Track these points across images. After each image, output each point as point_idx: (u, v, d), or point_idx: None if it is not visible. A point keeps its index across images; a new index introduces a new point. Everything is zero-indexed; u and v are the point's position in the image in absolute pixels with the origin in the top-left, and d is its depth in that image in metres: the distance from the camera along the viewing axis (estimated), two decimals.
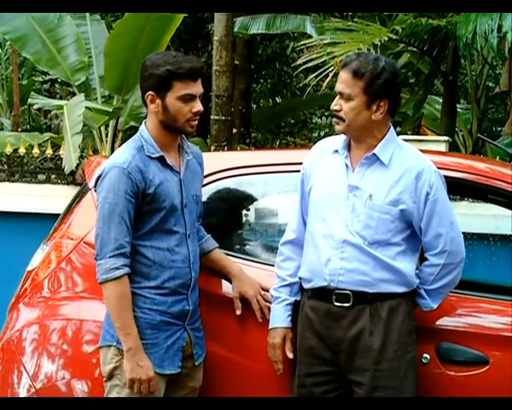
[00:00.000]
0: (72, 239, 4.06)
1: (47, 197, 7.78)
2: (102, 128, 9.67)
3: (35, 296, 4.05)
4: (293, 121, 15.07)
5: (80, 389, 3.87)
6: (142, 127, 3.63)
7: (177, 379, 3.62)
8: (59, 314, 3.98)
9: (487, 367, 3.65)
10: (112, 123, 9.75)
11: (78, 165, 7.69)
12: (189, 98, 3.51)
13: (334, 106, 3.55)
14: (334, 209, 3.57)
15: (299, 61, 8.01)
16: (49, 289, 4.03)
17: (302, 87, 13.42)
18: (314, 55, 7.76)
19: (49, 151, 8.07)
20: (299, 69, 8.01)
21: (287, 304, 3.69)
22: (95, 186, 3.62)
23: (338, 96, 3.55)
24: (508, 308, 3.78)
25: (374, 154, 3.55)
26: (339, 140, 3.67)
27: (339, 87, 3.54)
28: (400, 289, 3.55)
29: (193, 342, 3.64)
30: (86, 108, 8.32)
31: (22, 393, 3.91)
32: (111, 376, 3.57)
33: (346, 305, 3.54)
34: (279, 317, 3.69)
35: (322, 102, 13.43)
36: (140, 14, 8.82)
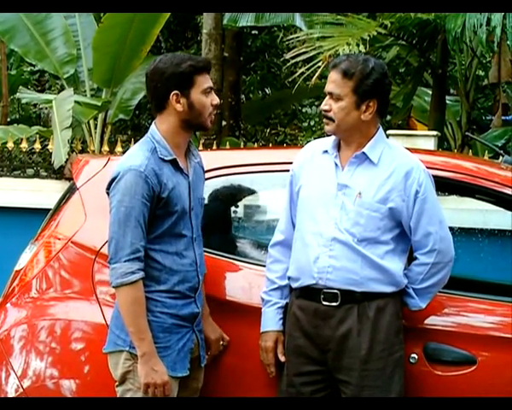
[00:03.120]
0: (59, 239, 4.04)
1: (35, 192, 7.76)
2: (91, 121, 9.64)
3: (23, 296, 4.04)
4: (282, 113, 15.04)
5: (68, 388, 3.87)
6: (154, 129, 3.57)
7: (186, 381, 3.62)
8: (47, 314, 3.97)
9: (475, 367, 3.65)
10: (101, 116, 9.71)
11: (66, 159, 7.67)
12: (210, 91, 3.55)
13: (324, 106, 3.57)
14: (323, 208, 3.58)
15: (288, 56, 8.00)
16: (37, 289, 4.02)
17: (292, 79, 13.45)
18: (303, 50, 7.75)
19: (38, 145, 8.04)
20: (288, 64, 7.98)
21: (278, 307, 3.70)
22: (108, 189, 3.53)
23: (328, 97, 3.56)
24: (495, 308, 3.80)
25: (363, 152, 3.57)
26: (328, 141, 3.69)
27: (328, 87, 3.56)
28: (388, 289, 3.56)
29: (200, 344, 3.65)
30: (75, 102, 8.28)
31: (10, 393, 3.91)
32: (123, 380, 3.54)
33: (334, 304, 3.54)
34: (271, 320, 3.70)
35: (312, 94, 13.41)
36: None
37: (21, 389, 3.88)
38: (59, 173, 7.83)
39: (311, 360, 3.60)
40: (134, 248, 3.41)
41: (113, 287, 3.46)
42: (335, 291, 3.54)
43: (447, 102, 10.37)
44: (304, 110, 15.41)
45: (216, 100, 3.57)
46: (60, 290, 3.99)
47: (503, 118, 11.52)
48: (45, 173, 7.97)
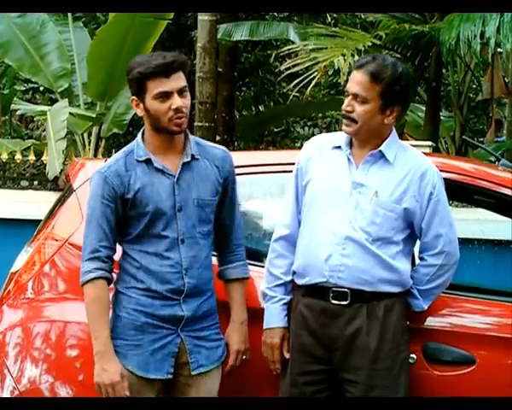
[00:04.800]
0: (56, 240, 4.02)
1: (29, 203, 7.75)
2: (85, 135, 9.65)
3: (19, 298, 4.01)
4: (276, 130, 15.08)
5: (64, 391, 3.82)
6: (140, 132, 3.60)
7: (179, 387, 3.56)
8: (43, 316, 3.94)
9: (474, 367, 3.64)
10: (95, 130, 9.72)
11: (61, 171, 7.66)
12: (163, 96, 3.43)
13: (347, 107, 3.51)
14: (335, 205, 3.54)
15: (283, 67, 8.01)
16: (33, 290, 3.99)
17: (285, 95, 13.48)
18: (298, 61, 7.76)
19: (32, 157, 8.03)
20: (283, 75, 7.99)
21: (283, 303, 3.65)
22: None
23: (350, 97, 3.50)
24: (493, 308, 3.79)
25: (380, 151, 3.55)
26: (337, 137, 3.66)
27: (354, 88, 3.50)
28: (396, 289, 3.55)
29: (189, 349, 3.53)
30: (70, 113, 8.28)
31: (6, 395, 3.86)
32: None
33: (344, 303, 3.51)
34: (276, 317, 3.65)
35: (305, 111, 13.48)
36: (123, 20, 8.82)
37: (17, 392, 3.84)
38: (53, 185, 7.81)
39: (315, 359, 3.56)
40: (93, 248, 3.47)
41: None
42: (345, 290, 3.50)
43: (441, 117, 10.40)
44: (297, 129, 15.48)
45: (176, 104, 3.42)
46: (56, 292, 3.96)
47: (495, 139, 11.59)
48: (39, 185, 7.95)
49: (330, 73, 15.52)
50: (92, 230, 3.48)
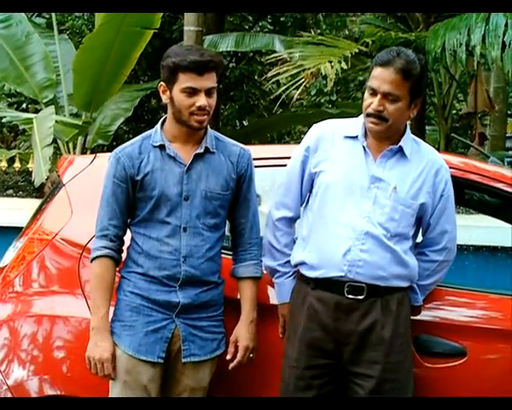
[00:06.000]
0: (45, 235, 4.00)
1: (14, 211, 7.70)
2: (70, 146, 9.61)
3: (7, 292, 3.98)
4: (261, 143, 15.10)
5: (52, 385, 3.80)
6: (161, 119, 3.65)
7: (174, 373, 3.58)
8: (32, 310, 3.91)
9: (465, 359, 3.64)
10: (80, 141, 9.70)
11: (47, 178, 7.62)
12: (191, 92, 3.46)
13: (379, 106, 3.43)
14: (353, 199, 3.50)
15: (270, 74, 8.01)
16: (22, 285, 3.97)
17: (269, 109, 13.50)
18: (285, 68, 7.77)
19: (18, 165, 8.00)
20: (270, 82, 7.99)
21: (293, 277, 3.67)
22: None
23: (379, 96, 3.43)
24: (485, 300, 3.81)
25: (400, 146, 3.52)
26: (348, 125, 3.62)
27: (385, 87, 3.42)
28: (406, 284, 3.56)
29: (183, 336, 3.54)
30: (55, 121, 8.25)
31: None
32: None
33: (360, 297, 3.48)
34: (288, 292, 3.66)
35: (289, 124, 13.49)
36: (109, 29, 8.80)
37: (5, 386, 3.80)
38: (39, 192, 7.77)
39: (324, 353, 3.52)
40: (102, 226, 3.57)
41: None
42: (362, 285, 3.48)
43: (426, 131, 10.46)
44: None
45: (201, 102, 3.45)
46: (45, 286, 3.94)
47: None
48: (24, 193, 7.92)
49: (313, 93, 15.62)
50: (103, 208, 3.58)
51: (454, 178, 3.74)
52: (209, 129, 3.63)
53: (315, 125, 3.70)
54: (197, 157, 3.57)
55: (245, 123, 15.08)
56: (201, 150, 3.58)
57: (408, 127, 3.59)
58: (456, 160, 4.05)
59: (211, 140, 3.61)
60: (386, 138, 3.52)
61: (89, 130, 9.69)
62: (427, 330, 3.68)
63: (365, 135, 3.55)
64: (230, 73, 13.90)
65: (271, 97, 12.02)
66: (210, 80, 3.49)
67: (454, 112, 12.82)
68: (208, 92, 3.49)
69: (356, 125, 3.58)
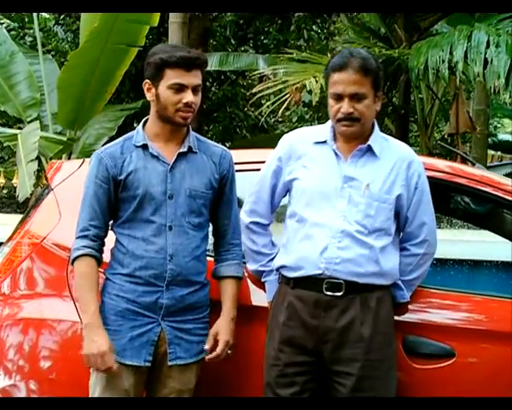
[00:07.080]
0: (33, 238, 3.99)
1: None
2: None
3: None
4: None
5: (40, 387, 3.78)
6: (143, 120, 3.66)
7: (159, 376, 3.56)
8: (20, 313, 3.89)
9: (454, 360, 3.64)
10: (64, 158, 9.68)
11: (31, 193, 7.61)
12: (179, 88, 3.47)
13: (349, 109, 3.48)
14: (327, 200, 3.54)
15: (255, 90, 8.04)
16: (10, 288, 3.95)
17: (252, 130, 13.54)
18: (270, 83, 7.80)
19: (2, 180, 7.99)
20: (255, 98, 8.00)
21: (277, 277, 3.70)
22: None
23: (346, 100, 3.47)
24: (473, 301, 3.81)
25: (368, 145, 3.57)
26: (316, 131, 3.67)
27: (351, 89, 3.47)
28: (386, 282, 3.57)
29: (169, 339, 3.53)
30: (40, 137, 8.25)
31: None
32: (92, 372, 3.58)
33: (338, 294, 3.50)
34: (274, 291, 3.69)
35: (272, 144, 13.49)
36: (94, 46, 8.83)
37: None
38: (23, 207, 7.75)
39: (304, 351, 3.53)
40: (82, 226, 3.54)
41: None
42: (340, 281, 3.50)
43: None
44: None
45: (187, 98, 3.48)
46: (33, 289, 3.93)
47: None
48: (8, 208, 7.90)
49: (294, 120, 15.68)
50: (84, 209, 3.55)
51: (441, 183, 3.77)
52: (191, 130, 3.65)
53: (285, 136, 3.76)
54: (180, 156, 3.58)
55: (227, 145, 15.11)
56: (185, 149, 3.59)
57: (376, 125, 3.65)
58: (442, 164, 4.09)
59: (193, 140, 3.63)
60: (354, 139, 3.57)
61: (73, 148, 9.70)
62: (414, 332, 3.68)
63: (334, 138, 3.61)
64: (213, 95, 13.94)
65: (254, 122, 12.07)
66: (197, 77, 3.52)
67: (437, 133, 12.90)
68: (194, 89, 3.51)
69: (323, 130, 3.65)
